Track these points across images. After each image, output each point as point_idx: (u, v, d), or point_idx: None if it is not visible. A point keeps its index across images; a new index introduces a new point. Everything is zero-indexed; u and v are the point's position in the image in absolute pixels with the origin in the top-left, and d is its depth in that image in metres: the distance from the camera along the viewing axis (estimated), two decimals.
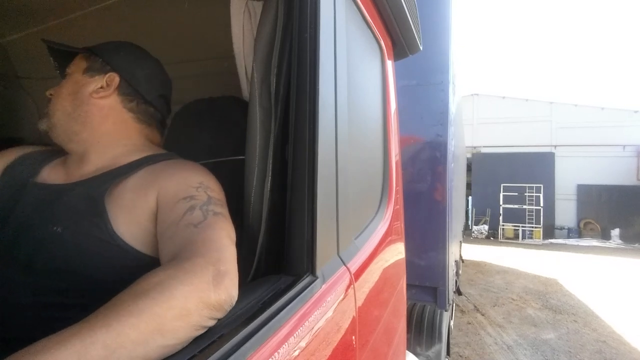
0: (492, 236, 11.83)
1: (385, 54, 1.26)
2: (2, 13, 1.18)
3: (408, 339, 2.33)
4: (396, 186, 1.29)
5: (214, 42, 1.17)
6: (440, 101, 2.36)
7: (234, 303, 0.48)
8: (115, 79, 0.74)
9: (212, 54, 1.27)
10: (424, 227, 2.39)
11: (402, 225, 1.40)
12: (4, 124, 1.43)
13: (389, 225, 1.15)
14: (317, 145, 0.62)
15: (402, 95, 2.33)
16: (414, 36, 1.36)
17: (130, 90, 0.76)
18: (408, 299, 2.51)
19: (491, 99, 13.49)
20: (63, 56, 0.78)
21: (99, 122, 0.72)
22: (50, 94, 0.75)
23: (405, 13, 1.19)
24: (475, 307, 5.27)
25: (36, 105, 1.49)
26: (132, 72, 0.76)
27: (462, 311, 5.08)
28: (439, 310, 2.43)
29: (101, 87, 0.73)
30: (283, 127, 0.67)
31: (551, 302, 5.48)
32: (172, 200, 0.60)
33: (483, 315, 4.93)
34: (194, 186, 0.62)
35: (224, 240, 0.53)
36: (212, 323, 0.45)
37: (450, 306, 2.89)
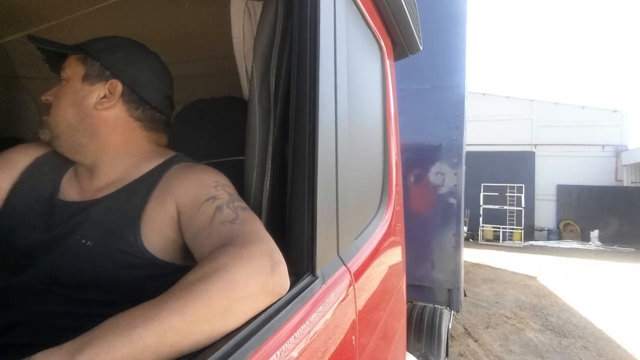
0: (471, 237, 11.38)
1: (385, 54, 1.26)
2: (2, 13, 1.18)
3: (408, 339, 2.33)
4: (396, 187, 1.29)
5: (214, 42, 1.17)
6: (456, 104, 2.39)
7: (285, 292, 0.51)
8: (118, 86, 0.69)
9: (212, 54, 1.27)
10: (439, 228, 2.43)
11: (403, 226, 1.40)
12: (4, 124, 1.43)
13: (389, 225, 1.15)
14: (317, 145, 0.62)
15: (417, 98, 2.37)
16: (414, 36, 1.36)
17: (134, 97, 0.71)
18: (420, 300, 2.51)
19: (471, 96, 13.13)
20: (54, 56, 0.72)
21: (106, 134, 0.69)
22: (47, 100, 0.70)
23: (405, 13, 1.19)
24: (465, 329, 4.36)
25: (36, 105, 1.49)
26: (134, 76, 0.71)
27: (452, 336, 4.22)
28: (438, 311, 2.43)
29: (104, 97, 0.69)
30: (282, 127, 0.67)
31: (551, 320, 4.73)
32: (195, 205, 0.61)
33: (476, 341, 4.07)
34: (211, 186, 0.63)
35: (264, 233, 0.55)
36: (264, 307, 0.48)
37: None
